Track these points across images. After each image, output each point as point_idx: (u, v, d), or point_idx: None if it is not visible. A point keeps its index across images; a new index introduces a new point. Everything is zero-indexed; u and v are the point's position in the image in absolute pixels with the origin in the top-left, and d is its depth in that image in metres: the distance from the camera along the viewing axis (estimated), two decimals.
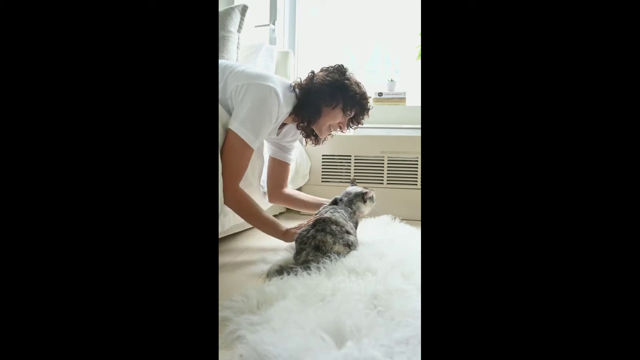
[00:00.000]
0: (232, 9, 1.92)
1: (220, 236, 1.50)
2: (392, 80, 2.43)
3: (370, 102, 1.43)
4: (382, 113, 2.34)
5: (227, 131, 1.20)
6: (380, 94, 2.39)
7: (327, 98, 1.32)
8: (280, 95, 1.24)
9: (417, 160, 2.08)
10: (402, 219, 1.74)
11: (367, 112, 1.43)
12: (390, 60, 2.78)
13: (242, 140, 1.18)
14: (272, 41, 2.51)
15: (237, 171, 1.20)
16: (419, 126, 2.13)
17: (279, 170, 1.54)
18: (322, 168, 2.15)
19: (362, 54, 2.78)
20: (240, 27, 1.91)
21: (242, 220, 1.46)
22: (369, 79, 2.72)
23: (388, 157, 2.12)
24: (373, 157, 2.12)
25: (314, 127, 1.38)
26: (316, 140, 1.46)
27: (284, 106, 1.28)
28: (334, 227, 1.17)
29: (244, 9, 1.93)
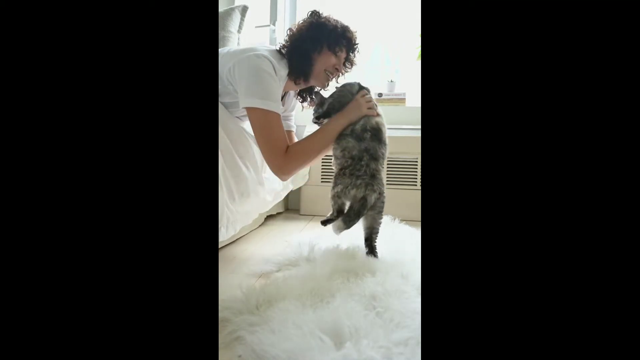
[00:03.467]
0: (232, 9, 1.92)
1: (231, 240, 1.50)
2: (392, 81, 2.43)
3: (356, 35, 1.36)
4: (381, 113, 2.34)
5: (246, 110, 1.19)
6: (380, 95, 2.39)
7: (311, 44, 1.29)
8: (271, 58, 1.22)
9: (416, 161, 2.08)
10: (402, 220, 1.74)
11: (357, 47, 1.37)
12: (390, 61, 2.77)
13: (261, 110, 1.16)
14: (273, 41, 2.51)
15: (275, 141, 1.18)
16: (419, 127, 2.13)
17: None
18: (322, 168, 2.15)
19: (362, 55, 2.77)
20: (240, 27, 1.91)
21: (249, 221, 1.45)
22: (369, 79, 2.72)
23: (388, 157, 2.11)
24: None
25: (311, 80, 1.34)
26: (312, 101, 1.43)
27: (279, 68, 1.25)
28: (375, 164, 1.18)
29: (244, 10, 1.93)
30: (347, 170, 1.16)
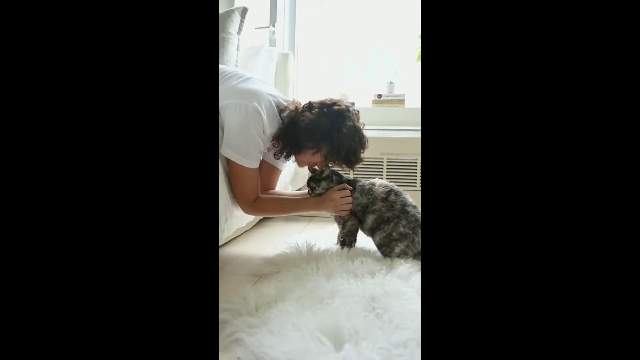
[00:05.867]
0: (232, 11, 1.92)
1: (225, 241, 1.50)
2: (391, 82, 2.43)
3: (362, 154, 1.29)
4: (381, 115, 2.34)
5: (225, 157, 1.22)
6: (379, 96, 2.39)
7: (310, 140, 1.23)
8: (264, 116, 1.21)
9: (416, 162, 2.08)
10: None
11: (357, 162, 1.29)
12: (390, 62, 2.78)
13: (239, 165, 1.21)
14: (272, 43, 2.51)
15: (245, 192, 1.26)
16: (418, 128, 2.13)
17: (268, 172, 1.46)
18: None
19: (362, 56, 2.78)
20: (240, 29, 1.91)
21: (244, 224, 1.46)
22: (368, 80, 2.72)
23: (387, 158, 2.12)
24: (372, 158, 2.12)
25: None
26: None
27: (269, 127, 1.24)
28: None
29: (243, 11, 1.93)
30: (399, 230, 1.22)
